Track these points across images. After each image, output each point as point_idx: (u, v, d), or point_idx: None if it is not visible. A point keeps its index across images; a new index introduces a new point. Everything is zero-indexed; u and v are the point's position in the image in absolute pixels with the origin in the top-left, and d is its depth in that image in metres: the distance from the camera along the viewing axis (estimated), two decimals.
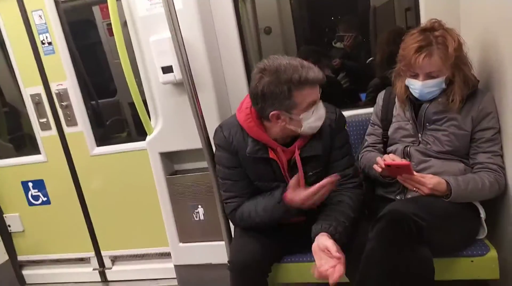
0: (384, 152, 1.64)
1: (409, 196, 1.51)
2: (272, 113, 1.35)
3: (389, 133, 1.64)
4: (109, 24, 2.80)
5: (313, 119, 1.37)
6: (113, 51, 2.59)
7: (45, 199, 2.64)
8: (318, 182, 1.44)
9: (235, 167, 1.53)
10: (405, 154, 1.54)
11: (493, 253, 1.45)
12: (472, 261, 1.44)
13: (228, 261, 1.51)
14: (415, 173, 1.39)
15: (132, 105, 2.25)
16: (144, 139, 2.17)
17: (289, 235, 1.58)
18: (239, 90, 2.14)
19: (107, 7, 1.95)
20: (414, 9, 1.91)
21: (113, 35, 2.00)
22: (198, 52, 1.92)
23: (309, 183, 1.49)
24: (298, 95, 1.31)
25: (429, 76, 1.42)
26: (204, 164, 1.86)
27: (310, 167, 1.49)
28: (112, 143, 2.51)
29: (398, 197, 1.54)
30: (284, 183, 1.50)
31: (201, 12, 1.93)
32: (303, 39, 3.02)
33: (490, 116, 1.44)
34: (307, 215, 1.52)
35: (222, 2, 2.04)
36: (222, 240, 1.93)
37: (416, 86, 1.46)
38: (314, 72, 1.31)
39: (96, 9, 3.01)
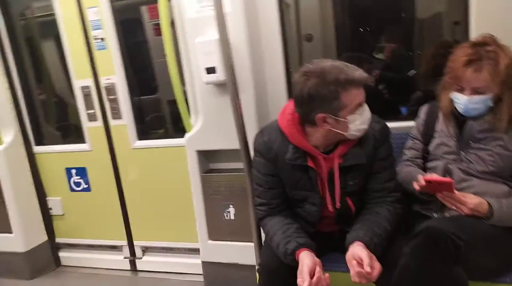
0: (424, 167, 1.61)
1: (447, 214, 1.47)
2: (318, 115, 1.33)
3: (430, 148, 1.60)
4: (156, 24, 2.92)
5: (359, 121, 1.34)
6: (157, 50, 2.69)
7: (86, 186, 2.78)
8: (358, 192, 1.44)
9: (271, 175, 1.52)
10: (446, 172, 1.50)
11: None
12: None
13: (259, 264, 1.53)
14: (456, 191, 1.35)
15: (171, 103, 2.34)
16: (180, 137, 2.23)
17: (321, 243, 1.57)
18: (278, 94, 2.16)
19: (154, 8, 2.04)
20: (463, 22, 1.86)
21: (158, 34, 2.09)
22: (242, 54, 1.96)
23: (348, 192, 1.49)
24: (345, 95, 1.29)
25: (476, 91, 1.39)
26: (239, 164, 1.89)
27: (351, 176, 1.46)
28: (151, 138, 2.60)
29: (435, 215, 1.51)
30: (318, 193, 1.49)
31: (248, 16, 1.97)
32: (344, 48, 3.00)
33: None
34: (341, 225, 1.52)
35: (268, 7, 2.07)
36: (251, 242, 1.96)
37: (462, 101, 1.42)
38: (360, 72, 1.30)
39: (144, 9, 3.15)
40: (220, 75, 1.95)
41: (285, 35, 2.14)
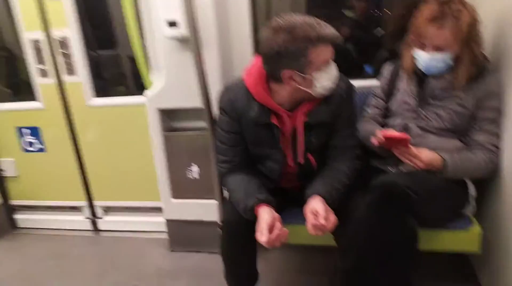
0: (383, 124, 1.65)
1: (403, 169, 1.53)
2: (284, 72, 1.31)
3: (391, 106, 1.64)
4: None
5: (325, 79, 1.34)
6: (116, 2, 2.52)
7: (40, 146, 2.64)
8: (320, 148, 1.47)
9: (234, 133, 1.52)
10: (404, 129, 1.55)
11: (476, 228, 1.52)
12: (454, 233, 1.50)
13: (221, 220, 1.54)
14: (411, 147, 1.40)
15: (132, 59, 2.22)
16: (141, 95, 2.15)
17: (283, 198, 1.60)
18: (244, 51, 2.12)
19: None
20: None
21: None
22: (207, 8, 1.88)
23: (310, 149, 1.51)
24: (313, 52, 1.27)
25: (437, 48, 1.41)
26: (202, 123, 1.86)
27: (315, 133, 1.48)
28: (110, 96, 2.49)
29: (392, 170, 1.57)
30: (281, 151, 1.50)
31: None
32: (313, 4, 2.93)
33: (494, 96, 1.44)
34: (303, 181, 1.55)
35: None
36: (214, 199, 1.98)
37: (423, 58, 1.45)
38: (330, 29, 1.28)
39: None
40: (182, 30, 1.86)
41: None
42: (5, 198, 2.82)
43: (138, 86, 2.39)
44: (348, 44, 2.48)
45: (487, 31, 1.50)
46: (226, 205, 1.64)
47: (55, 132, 2.57)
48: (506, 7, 1.47)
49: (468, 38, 1.38)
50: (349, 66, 2.43)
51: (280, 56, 1.28)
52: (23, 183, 2.78)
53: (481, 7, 1.47)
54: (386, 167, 1.59)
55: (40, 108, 2.54)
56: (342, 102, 1.47)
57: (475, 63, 1.43)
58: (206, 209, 2.20)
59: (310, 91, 1.36)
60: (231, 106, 1.48)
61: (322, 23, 1.28)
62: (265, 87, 1.42)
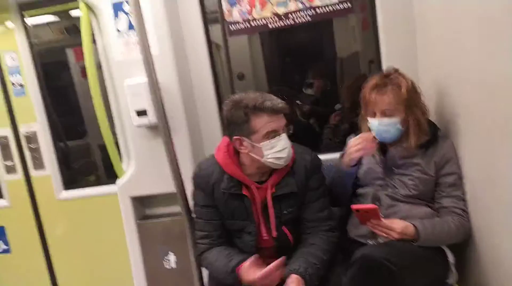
0: (354, 194, 1.68)
1: (380, 240, 1.53)
2: (235, 137, 1.42)
3: (359, 175, 1.68)
4: (83, 66, 2.83)
5: (275, 149, 1.40)
6: (85, 93, 2.59)
7: (5, 247, 2.48)
8: (293, 222, 1.48)
9: (209, 206, 1.55)
10: (375, 198, 1.58)
11: None
12: None
13: None
14: (382, 218, 1.42)
15: (102, 147, 2.23)
16: (113, 183, 2.12)
17: None
18: (213, 134, 2.16)
19: (81, 50, 1.98)
20: (376, 61, 2.05)
21: (86, 77, 2.02)
22: (173, 96, 1.96)
23: (283, 222, 1.52)
24: (255, 120, 1.38)
25: (384, 114, 1.50)
26: (176, 208, 1.83)
27: (285, 205, 1.51)
28: (81, 186, 2.43)
29: (370, 242, 1.56)
30: (254, 223, 1.51)
31: (177, 58, 1.99)
32: (274, 85, 3.14)
33: (451, 161, 1.51)
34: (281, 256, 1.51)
35: (197, 48, 2.11)
36: None
37: (374, 124, 1.53)
38: (273, 101, 1.39)
39: (69, 51, 3.05)
40: (151, 118, 1.92)
41: (216, 75, 2.18)
42: None
43: (109, 175, 2.37)
44: (312, 120, 2.61)
45: (431, 102, 1.64)
46: None
47: (21, 230, 2.44)
48: (443, 79, 1.62)
49: (410, 103, 1.48)
50: (316, 141, 2.55)
51: (228, 123, 1.44)
52: None
53: (421, 81, 1.61)
54: (364, 239, 1.58)
55: (5, 206, 2.43)
56: (307, 174, 1.51)
57: (423, 129, 1.51)
58: None
59: (260, 159, 1.42)
60: (204, 180, 1.53)
61: (269, 95, 1.42)
62: (234, 160, 1.50)
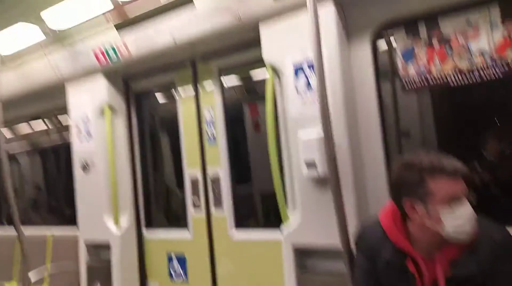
0: None
1: None
2: (406, 201, 1.28)
3: None
4: (255, 121, 3.19)
5: (456, 218, 1.21)
6: (254, 144, 2.87)
7: (184, 276, 2.83)
8: None
9: (369, 272, 1.43)
10: None
11: None
12: None
13: None
14: None
15: (265, 194, 2.37)
16: (275, 229, 2.22)
17: None
18: (379, 193, 2.08)
19: (255, 106, 2.23)
20: None
21: (257, 130, 2.24)
22: (343, 151, 1.98)
23: None
24: (432, 182, 1.23)
25: None
26: (337, 264, 1.78)
27: None
28: (247, 229, 2.63)
29: None
30: None
31: (348, 113, 2.04)
32: (447, 145, 2.83)
33: None
34: None
35: (368, 104, 2.12)
36: None
37: None
38: (452, 162, 1.23)
39: (246, 109, 3.47)
40: (320, 170, 1.98)
41: (385, 133, 2.13)
42: None
43: (272, 222, 2.51)
44: (496, 188, 2.22)
45: None
46: None
47: (198, 263, 2.74)
48: None
49: None
50: (501, 211, 2.13)
51: (399, 184, 1.31)
52: None
53: None
54: None
55: (188, 238, 2.81)
56: (494, 258, 1.23)
57: None
58: None
59: (439, 230, 1.23)
60: (366, 244, 1.45)
61: (446, 157, 1.25)
62: (400, 227, 1.35)
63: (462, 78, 1.94)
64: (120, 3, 2.57)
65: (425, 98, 3.18)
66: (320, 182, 2.05)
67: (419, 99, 3.14)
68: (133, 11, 2.65)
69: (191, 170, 2.83)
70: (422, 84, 2.07)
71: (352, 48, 2.13)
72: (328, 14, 2.02)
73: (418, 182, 1.25)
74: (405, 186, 1.28)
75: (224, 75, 2.73)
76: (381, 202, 1.54)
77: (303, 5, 1.78)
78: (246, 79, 3.01)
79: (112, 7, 2.55)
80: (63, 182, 4.12)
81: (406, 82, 2.10)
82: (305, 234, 2.10)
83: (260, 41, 2.26)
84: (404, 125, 2.86)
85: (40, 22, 2.73)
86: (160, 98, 3.27)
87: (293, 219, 2.18)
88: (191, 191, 2.82)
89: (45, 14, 2.65)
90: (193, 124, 2.80)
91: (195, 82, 2.78)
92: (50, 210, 4.28)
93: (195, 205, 2.79)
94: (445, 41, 1.97)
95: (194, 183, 2.80)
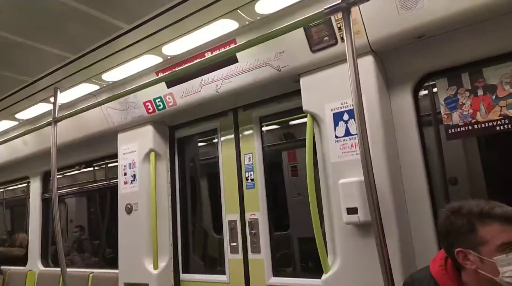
0: None
1: None
2: (457, 250, 1.25)
3: None
4: (293, 167, 3.22)
5: None
6: (292, 190, 2.89)
7: None
8: None
9: None
10: None
11: None
12: None
13: None
14: None
15: (302, 240, 2.35)
16: (311, 277, 2.18)
17: None
18: (425, 240, 2.03)
19: (293, 153, 2.28)
20: None
21: (294, 175, 2.28)
22: (385, 197, 1.98)
23: None
24: (484, 229, 1.21)
25: None
26: None
27: None
28: (282, 275, 2.60)
29: None
30: None
31: (390, 159, 2.05)
32: (496, 192, 2.73)
33: None
34: None
35: (411, 151, 2.14)
36: None
37: None
38: (503, 207, 1.21)
39: (284, 154, 3.53)
40: (361, 216, 1.97)
41: (430, 179, 2.11)
42: None
43: (309, 268, 2.46)
44: None
45: None
46: None
47: None
48: None
49: None
50: None
51: (447, 232, 1.28)
52: None
53: None
54: None
55: (225, 281, 2.81)
56: None
57: None
58: None
59: (494, 278, 1.19)
60: None
61: (495, 202, 1.23)
62: (453, 277, 1.31)
63: (510, 124, 1.96)
64: (169, 57, 2.80)
65: (472, 144, 3.12)
66: (360, 228, 2.03)
67: (465, 145, 3.10)
68: (180, 64, 2.87)
69: (230, 215, 2.88)
70: (467, 130, 2.09)
71: (392, 96, 2.20)
72: (368, 65, 2.11)
73: (469, 229, 1.23)
74: (455, 234, 1.26)
75: (264, 122, 2.85)
76: (427, 251, 1.49)
77: (342, 56, 1.88)
78: (285, 126, 3.11)
79: (161, 60, 2.77)
80: (106, 225, 4.26)
81: (450, 129, 2.12)
82: (346, 282, 2.05)
83: (300, 90, 2.37)
84: (451, 172, 2.80)
85: (100, 81, 3.01)
86: (202, 143, 3.42)
87: (333, 266, 2.15)
88: (229, 234, 2.85)
89: (105, 76, 2.92)
90: (232, 169, 2.90)
91: (236, 129, 2.93)
92: (94, 253, 4.39)
93: (233, 250, 2.81)
94: (490, 89, 2.00)
95: (232, 228, 2.84)
